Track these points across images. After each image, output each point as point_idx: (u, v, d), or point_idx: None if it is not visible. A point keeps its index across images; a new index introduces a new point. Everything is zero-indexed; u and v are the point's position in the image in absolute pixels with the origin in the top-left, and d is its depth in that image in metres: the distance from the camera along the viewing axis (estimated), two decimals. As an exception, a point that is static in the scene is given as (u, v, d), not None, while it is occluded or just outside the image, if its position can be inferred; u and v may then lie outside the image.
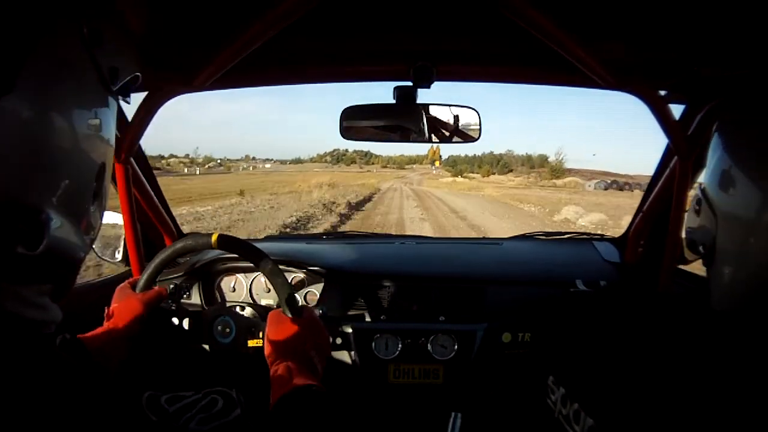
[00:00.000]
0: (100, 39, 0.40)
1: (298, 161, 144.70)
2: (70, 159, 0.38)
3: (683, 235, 1.05)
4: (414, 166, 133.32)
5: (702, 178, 0.50)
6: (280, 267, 0.85)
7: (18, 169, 0.33)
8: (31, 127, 0.34)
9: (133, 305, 0.83)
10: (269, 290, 1.24)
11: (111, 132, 0.45)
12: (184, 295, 1.22)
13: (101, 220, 0.46)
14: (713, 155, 0.48)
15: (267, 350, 0.73)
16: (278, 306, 0.80)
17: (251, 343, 0.91)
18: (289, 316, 0.77)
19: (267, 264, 0.82)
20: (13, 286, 0.35)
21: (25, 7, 0.32)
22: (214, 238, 0.84)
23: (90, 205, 0.42)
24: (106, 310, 0.83)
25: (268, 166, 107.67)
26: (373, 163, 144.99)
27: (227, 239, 0.85)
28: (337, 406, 0.63)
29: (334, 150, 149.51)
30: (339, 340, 1.13)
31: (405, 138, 1.05)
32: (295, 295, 0.80)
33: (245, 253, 0.84)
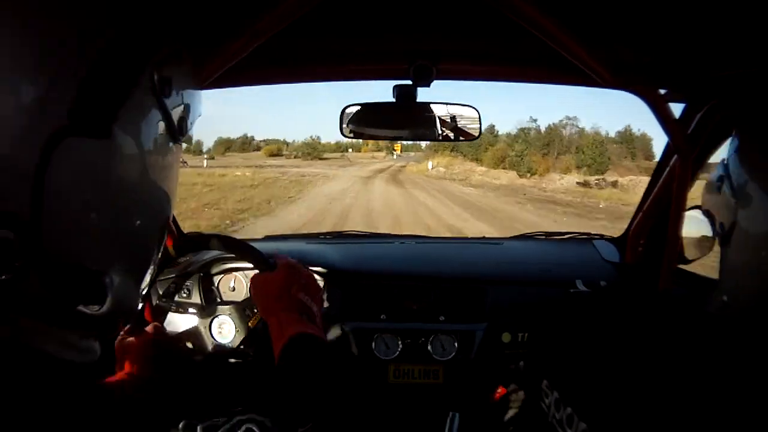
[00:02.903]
0: (170, 88, 0.37)
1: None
2: (140, 219, 0.36)
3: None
4: (349, 152, 66.02)
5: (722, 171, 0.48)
6: None
7: (89, 235, 0.32)
8: (103, 189, 0.32)
9: (138, 349, 0.78)
10: None
11: (175, 184, 0.42)
12: (184, 294, 1.22)
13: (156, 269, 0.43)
14: (729, 165, 0.47)
15: (261, 312, 0.72)
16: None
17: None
18: (264, 271, 0.77)
19: (220, 244, 0.82)
20: (61, 330, 0.34)
21: (122, 60, 0.31)
22: None
23: (154, 256, 0.40)
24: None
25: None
26: (245, 150, 74.81)
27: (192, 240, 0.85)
28: (337, 404, 0.62)
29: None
30: (339, 341, 1.12)
31: (405, 136, 1.05)
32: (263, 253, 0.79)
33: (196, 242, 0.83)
